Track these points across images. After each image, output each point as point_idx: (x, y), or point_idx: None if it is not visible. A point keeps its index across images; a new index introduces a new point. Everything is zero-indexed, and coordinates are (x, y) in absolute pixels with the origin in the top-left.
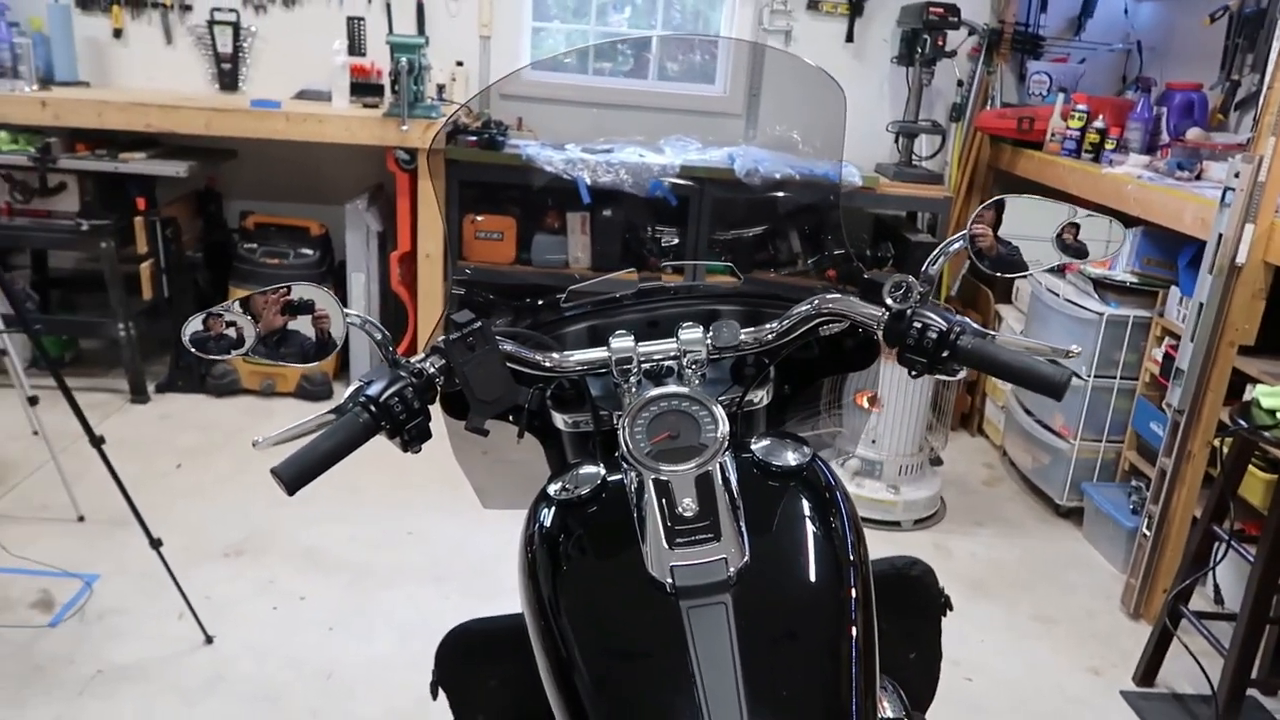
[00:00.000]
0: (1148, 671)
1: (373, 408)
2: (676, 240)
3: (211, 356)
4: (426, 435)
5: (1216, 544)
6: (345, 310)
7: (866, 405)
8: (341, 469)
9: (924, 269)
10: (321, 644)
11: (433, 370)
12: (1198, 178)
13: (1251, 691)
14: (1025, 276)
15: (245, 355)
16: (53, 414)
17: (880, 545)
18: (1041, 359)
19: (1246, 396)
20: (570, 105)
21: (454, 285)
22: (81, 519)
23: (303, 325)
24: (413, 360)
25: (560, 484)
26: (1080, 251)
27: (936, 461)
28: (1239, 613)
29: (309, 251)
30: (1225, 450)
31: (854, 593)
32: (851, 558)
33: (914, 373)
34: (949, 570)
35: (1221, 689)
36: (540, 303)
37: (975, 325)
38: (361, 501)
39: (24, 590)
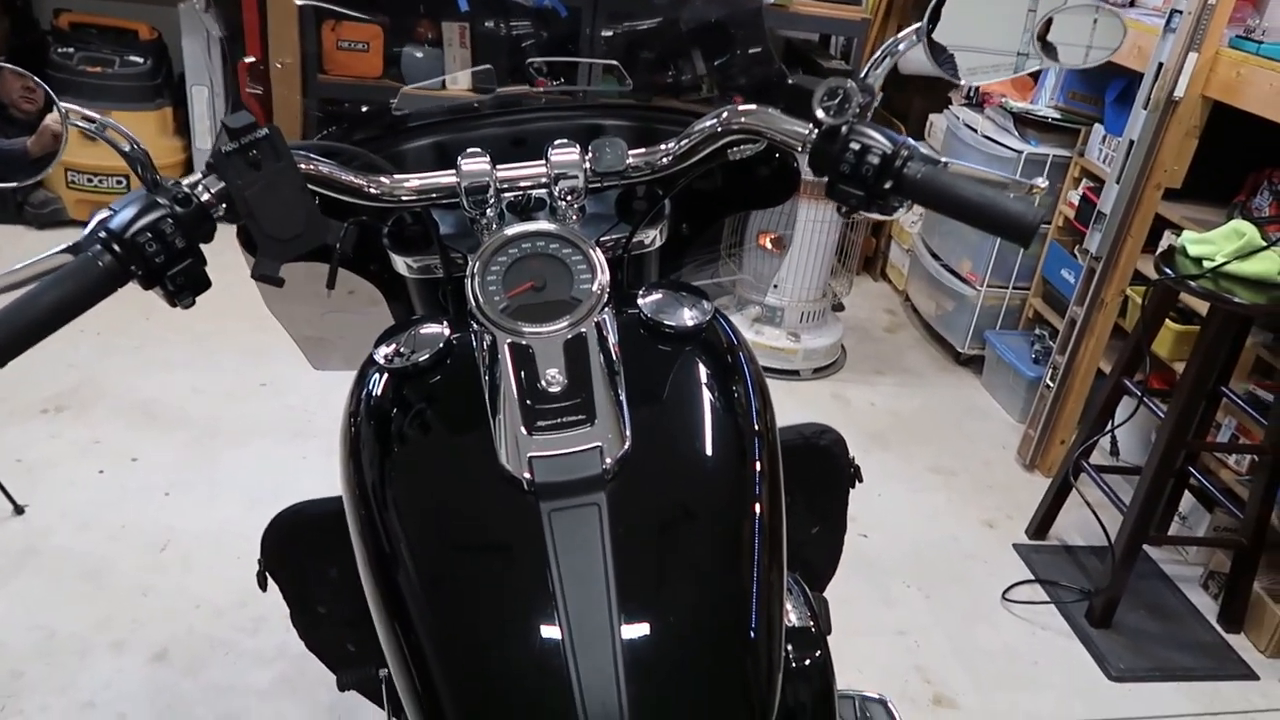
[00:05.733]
0: (1042, 525)
1: (116, 246)
2: (532, 41)
3: None
4: (201, 283)
5: (1124, 398)
6: (65, 105)
7: (770, 247)
8: (187, 309)
9: (863, 75)
10: (155, 512)
11: (205, 196)
12: (1132, 4)
13: None
14: (987, 81)
15: None
16: None
17: (778, 394)
18: (1003, 189)
19: (1164, 244)
20: None
21: (252, 85)
22: None
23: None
24: (182, 181)
25: (394, 346)
26: (1051, 50)
27: (838, 308)
28: (1144, 467)
29: (138, 59)
30: (1143, 300)
31: (758, 466)
32: (756, 427)
33: (845, 209)
34: (847, 421)
35: (1120, 541)
36: (365, 109)
37: (924, 149)
38: (209, 347)
39: None
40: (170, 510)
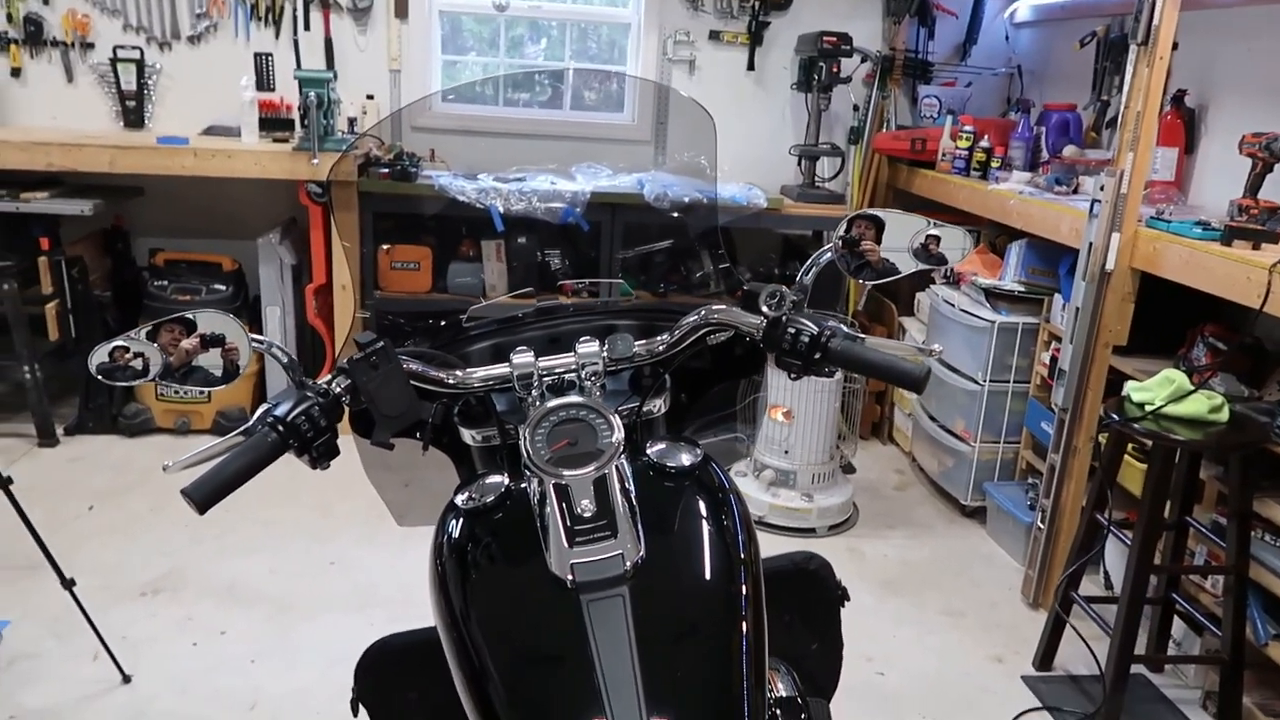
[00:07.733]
0: (1045, 656)
1: (280, 427)
2: (559, 264)
3: (118, 383)
4: (334, 452)
5: (1101, 531)
6: (251, 336)
7: (781, 419)
8: (262, 502)
9: (799, 278)
10: (243, 677)
11: (338, 389)
12: (1074, 191)
13: (1140, 668)
14: (889, 281)
15: (152, 382)
16: None
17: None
18: (904, 356)
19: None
20: (482, 136)
21: (361, 310)
22: None
23: (211, 359)
24: (319, 381)
25: (467, 494)
26: (940, 259)
27: (849, 469)
28: (1120, 595)
29: (221, 287)
30: (1095, 441)
31: (745, 589)
32: (742, 555)
33: (792, 375)
34: (862, 572)
35: (1108, 668)
36: (443, 323)
37: (846, 329)
38: (282, 534)
39: None
40: (256, 675)
